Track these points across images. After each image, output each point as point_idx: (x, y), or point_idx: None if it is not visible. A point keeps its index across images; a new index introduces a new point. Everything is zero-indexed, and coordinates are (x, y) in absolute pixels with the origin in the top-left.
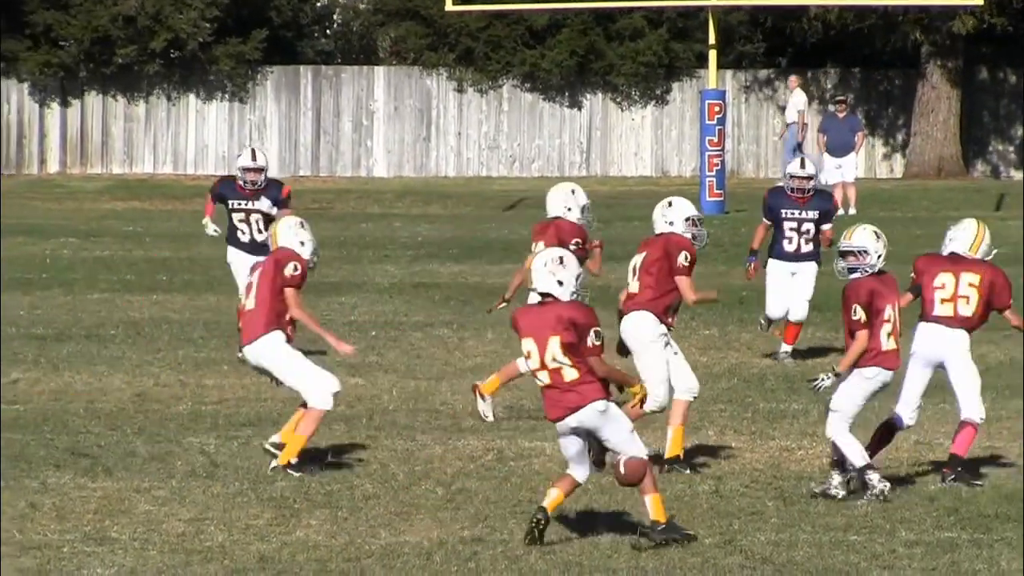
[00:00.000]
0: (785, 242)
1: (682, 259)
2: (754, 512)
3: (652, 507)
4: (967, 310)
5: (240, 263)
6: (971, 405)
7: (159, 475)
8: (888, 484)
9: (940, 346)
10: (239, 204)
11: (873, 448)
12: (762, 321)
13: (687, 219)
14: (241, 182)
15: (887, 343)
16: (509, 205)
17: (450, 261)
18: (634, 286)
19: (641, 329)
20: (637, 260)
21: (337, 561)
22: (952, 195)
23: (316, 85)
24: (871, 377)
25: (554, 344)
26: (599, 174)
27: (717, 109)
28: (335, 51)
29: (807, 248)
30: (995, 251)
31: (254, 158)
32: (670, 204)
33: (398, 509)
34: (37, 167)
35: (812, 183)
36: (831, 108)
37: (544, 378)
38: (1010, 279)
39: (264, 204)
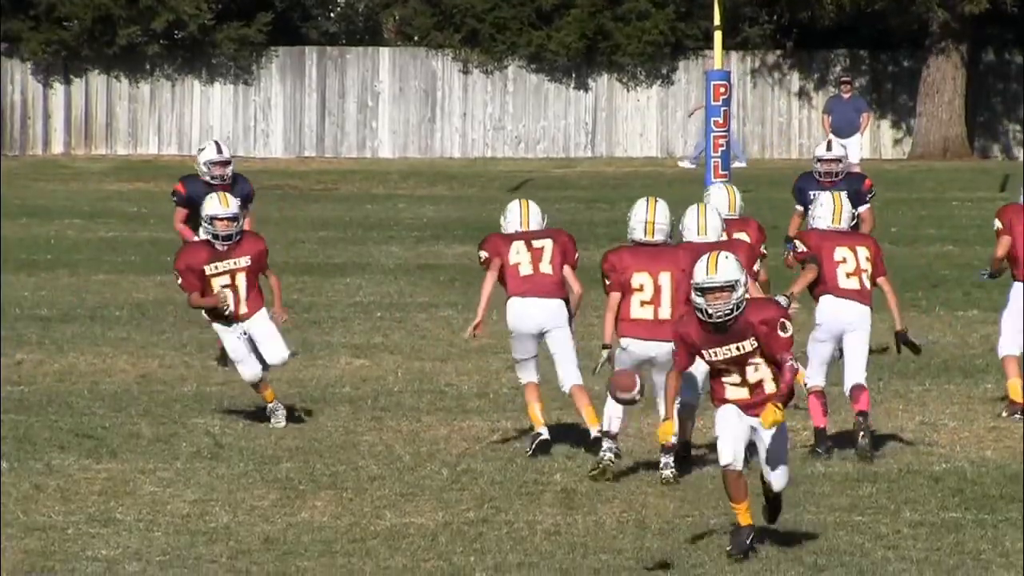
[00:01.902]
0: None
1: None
2: (758, 492)
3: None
4: (868, 282)
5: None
6: (862, 372)
7: (164, 456)
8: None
9: (845, 318)
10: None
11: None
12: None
13: None
14: (208, 178)
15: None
16: (514, 186)
17: (455, 242)
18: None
19: None
20: None
21: (342, 542)
22: (957, 176)
23: (321, 66)
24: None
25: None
26: (604, 155)
27: (722, 90)
28: (340, 32)
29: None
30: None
31: (219, 151)
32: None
33: (403, 490)
34: (42, 148)
35: (841, 165)
36: (836, 89)
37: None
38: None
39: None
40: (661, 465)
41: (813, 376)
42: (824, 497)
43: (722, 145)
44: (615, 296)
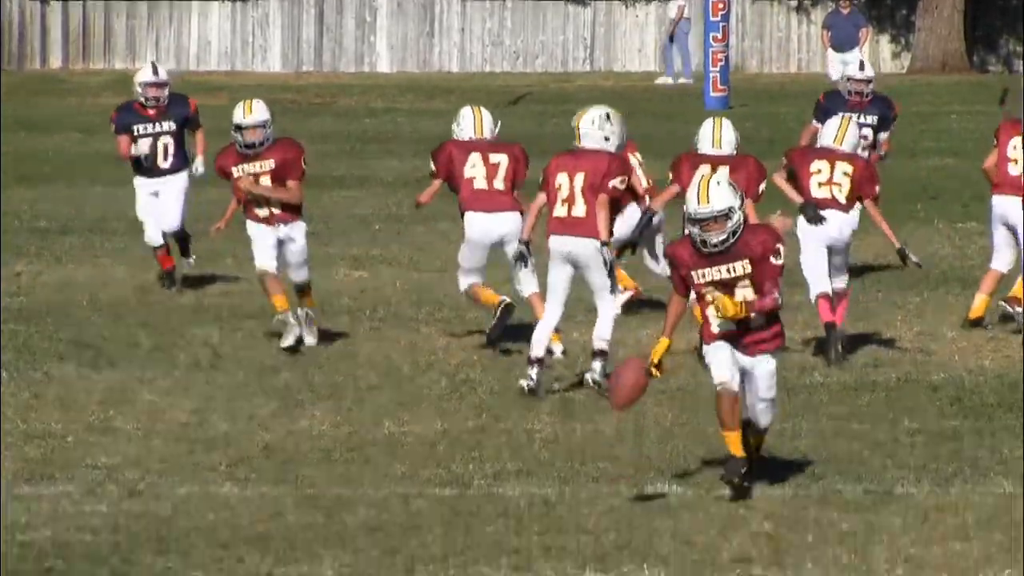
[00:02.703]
0: None
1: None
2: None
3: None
4: (844, 196)
5: (145, 193)
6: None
7: (162, 366)
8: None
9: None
10: (145, 129)
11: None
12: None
13: None
14: (142, 99)
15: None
16: (512, 100)
17: None
18: None
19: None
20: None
21: (341, 451)
22: (956, 90)
23: None
24: None
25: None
26: (602, 70)
27: (721, 6)
28: None
29: (863, 155)
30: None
31: (155, 72)
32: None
33: (402, 399)
34: (40, 62)
35: (871, 87)
36: (835, 4)
37: None
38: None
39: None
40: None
41: (815, 286)
42: (822, 406)
43: (721, 60)
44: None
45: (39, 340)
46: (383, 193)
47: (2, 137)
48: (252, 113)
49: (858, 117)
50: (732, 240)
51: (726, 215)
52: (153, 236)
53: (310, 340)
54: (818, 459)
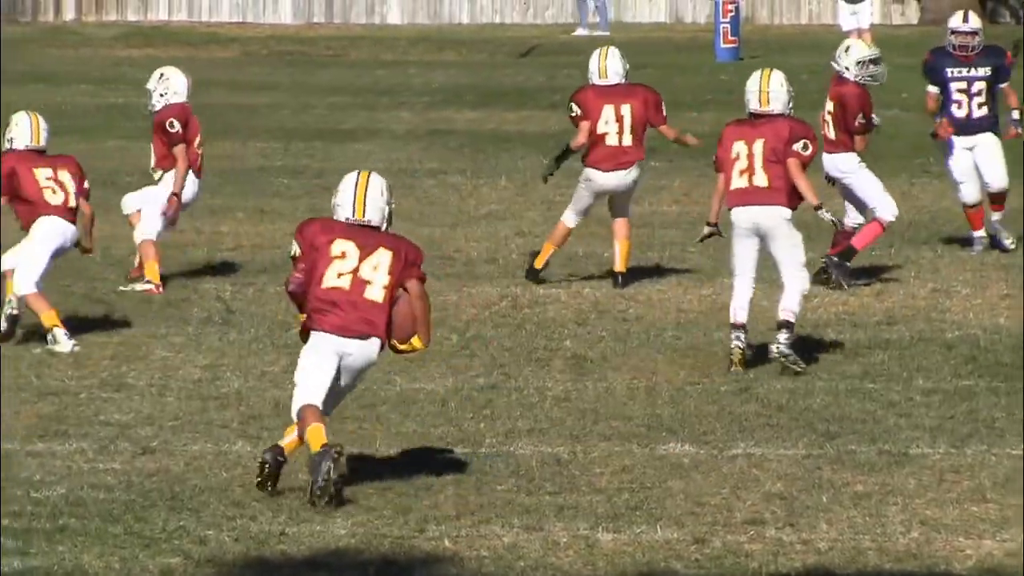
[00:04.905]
0: (954, 107)
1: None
2: (770, 360)
3: None
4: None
5: None
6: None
7: (175, 322)
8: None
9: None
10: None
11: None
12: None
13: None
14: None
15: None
16: (523, 52)
17: (465, 108)
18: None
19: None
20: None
21: (353, 408)
22: None
23: None
24: None
25: None
26: (613, 20)
27: None
28: None
29: (980, 113)
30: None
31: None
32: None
33: (413, 356)
34: (52, 14)
35: (978, 39)
36: None
37: None
38: None
39: None
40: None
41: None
42: (836, 365)
43: (731, 11)
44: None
45: (52, 295)
46: (394, 146)
47: (9, 89)
48: None
49: (968, 71)
50: None
51: None
52: None
53: None
54: (831, 419)
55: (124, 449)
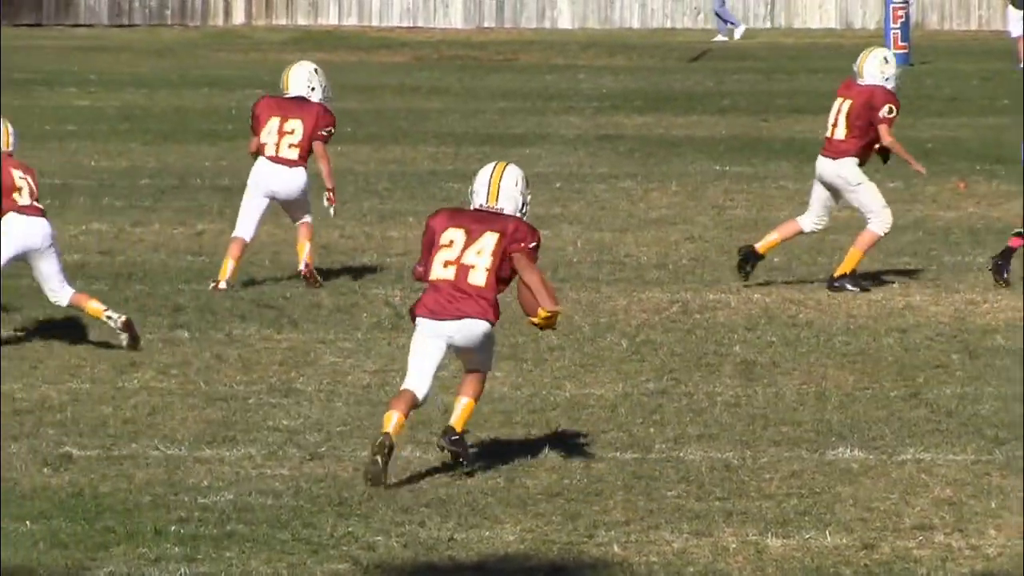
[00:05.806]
0: None
1: (885, 111)
2: (939, 365)
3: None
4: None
5: None
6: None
7: (344, 327)
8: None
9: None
10: None
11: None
12: None
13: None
14: None
15: None
16: (694, 57)
17: (634, 113)
18: (839, 133)
19: (847, 169)
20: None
21: (522, 413)
22: None
23: None
24: None
25: None
26: (783, 26)
27: None
28: None
29: None
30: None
31: None
32: (886, 60)
33: (583, 361)
34: (222, 18)
35: None
36: None
37: None
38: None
39: None
40: None
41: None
42: (1005, 370)
43: (902, 17)
44: None
45: (221, 300)
46: (563, 151)
47: (185, 93)
48: None
49: None
50: None
51: None
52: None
53: None
54: (1000, 424)
55: (292, 455)
